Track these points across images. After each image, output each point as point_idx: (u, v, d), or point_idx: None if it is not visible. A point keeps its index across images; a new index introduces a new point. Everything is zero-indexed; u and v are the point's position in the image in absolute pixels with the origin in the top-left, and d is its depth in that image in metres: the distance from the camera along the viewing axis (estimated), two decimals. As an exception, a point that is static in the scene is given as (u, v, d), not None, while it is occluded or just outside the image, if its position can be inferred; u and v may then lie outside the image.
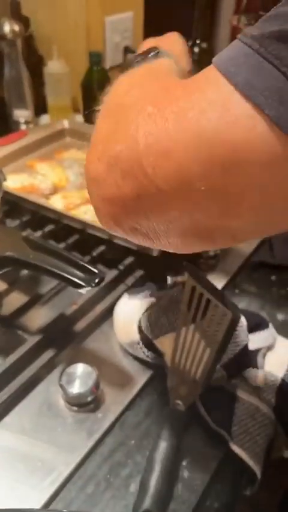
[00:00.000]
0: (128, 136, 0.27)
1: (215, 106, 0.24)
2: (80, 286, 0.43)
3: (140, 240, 0.31)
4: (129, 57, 0.42)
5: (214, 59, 0.25)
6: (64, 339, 0.55)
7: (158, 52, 0.41)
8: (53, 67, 1.03)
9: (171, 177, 0.25)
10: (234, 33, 1.28)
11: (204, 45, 0.98)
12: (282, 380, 0.52)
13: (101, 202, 0.29)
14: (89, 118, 1.06)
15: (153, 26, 1.21)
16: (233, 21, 1.22)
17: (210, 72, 0.25)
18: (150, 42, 0.50)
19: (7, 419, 0.48)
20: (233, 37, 1.24)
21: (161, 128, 0.25)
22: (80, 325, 0.56)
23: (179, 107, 0.25)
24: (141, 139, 0.26)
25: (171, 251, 0.35)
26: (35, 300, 0.59)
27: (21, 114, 1.05)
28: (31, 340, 0.51)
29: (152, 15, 1.21)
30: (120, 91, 0.33)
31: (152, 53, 0.41)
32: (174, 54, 0.43)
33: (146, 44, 0.50)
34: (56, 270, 0.44)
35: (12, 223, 0.70)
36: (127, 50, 1.16)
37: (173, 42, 0.51)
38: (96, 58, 1.02)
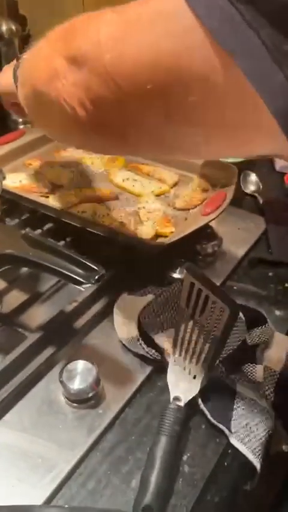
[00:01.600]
0: (91, 37, 0.30)
1: (162, 16, 0.27)
2: (80, 283, 0.43)
3: (100, 140, 0.36)
4: None
5: None
6: (64, 336, 0.55)
7: None
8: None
9: (126, 75, 0.29)
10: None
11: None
12: (281, 375, 0.53)
13: (68, 94, 0.33)
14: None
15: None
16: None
17: None
18: None
19: (7, 416, 0.48)
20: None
21: (119, 33, 0.29)
22: (80, 322, 0.56)
23: (135, 15, 0.29)
24: (103, 41, 0.30)
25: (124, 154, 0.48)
26: (34, 298, 0.59)
27: (19, 114, 1.06)
28: (31, 338, 0.52)
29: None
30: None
31: None
32: None
33: None
34: (55, 267, 0.44)
35: (11, 222, 0.70)
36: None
37: None
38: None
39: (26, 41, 1.06)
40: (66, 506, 0.39)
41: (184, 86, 0.27)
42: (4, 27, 0.93)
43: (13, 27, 0.94)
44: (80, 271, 0.43)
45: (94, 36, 0.30)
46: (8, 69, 0.52)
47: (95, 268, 0.44)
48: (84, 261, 0.44)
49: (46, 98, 0.35)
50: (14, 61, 0.49)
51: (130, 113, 0.31)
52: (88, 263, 0.44)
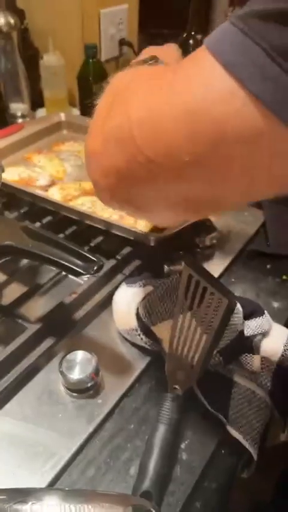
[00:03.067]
0: (123, 112, 0.29)
1: (200, 82, 0.26)
2: (79, 274, 0.44)
3: (133, 211, 0.34)
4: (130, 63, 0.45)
5: (205, 39, 0.27)
6: (64, 327, 0.56)
7: (157, 61, 0.43)
8: (49, 60, 1.03)
9: (159, 149, 0.27)
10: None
11: (199, 36, 0.98)
12: (278, 365, 0.53)
13: (98, 173, 0.32)
14: (86, 110, 1.07)
15: (149, 18, 1.21)
16: (227, 13, 1.22)
17: (199, 51, 0.27)
18: (150, 50, 0.51)
19: (8, 406, 0.49)
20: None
21: (152, 104, 0.27)
22: (79, 313, 0.57)
23: (169, 85, 0.27)
24: (133, 114, 0.28)
25: (163, 225, 0.39)
26: (34, 290, 0.59)
27: (18, 108, 1.06)
28: (31, 329, 0.52)
29: (147, 7, 1.20)
30: (117, 80, 0.35)
31: (150, 61, 0.42)
32: (170, 62, 0.44)
33: (145, 52, 0.51)
34: (55, 258, 0.44)
35: (10, 215, 0.71)
36: (123, 43, 1.16)
37: (171, 54, 0.52)
38: (91, 50, 1.02)
39: (24, 34, 1.06)
40: (67, 489, 0.40)
41: (226, 154, 0.26)
42: (2, 21, 0.93)
43: (11, 21, 0.94)
44: (79, 262, 0.44)
45: (124, 109, 0.29)
46: None
47: (94, 259, 0.44)
48: (83, 252, 0.45)
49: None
50: None
51: (163, 188, 0.30)
52: (87, 254, 0.44)
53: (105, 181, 0.32)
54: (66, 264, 0.44)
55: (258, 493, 0.86)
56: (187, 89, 0.26)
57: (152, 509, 0.33)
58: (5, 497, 0.31)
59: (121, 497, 0.32)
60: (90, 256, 0.44)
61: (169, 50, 0.53)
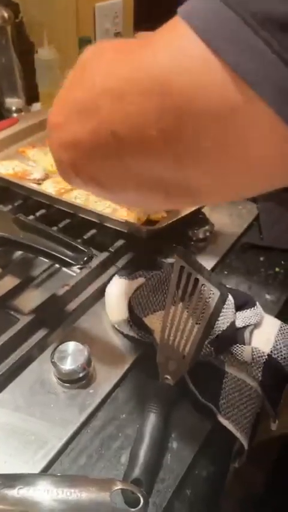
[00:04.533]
0: (88, 81, 0.28)
1: (170, 48, 0.24)
2: (69, 265, 0.44)
3: (98, 191, 0.32)
4: None
5: (178, 9, 0.25)
6: (56, 319, 0.56)
7: None
8: (44, 54, 1.03)
9: (124, 121, 0.25)
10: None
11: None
12: (269, 356, 0.54)
13: (60, 147, 0.30)
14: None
15: (144, 11, 1.21)
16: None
17: (172, 20, 0.25)
18: (142, 36, 0.50)
19: (0, 396, 0.49)
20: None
21: (117, 71, 0.26)
22: (72, 305, 0.57)
23: (138, 51, 0.25)
24: (98, 83, 0.27)
25: (129, 205, 0.36)
26: (27, 282, 0.60)
27: (13, 102, 1.06)
28: (23, 320, 0.53)
29: (143, 1, 1.20)
30: (86, 53, 0.33)
31: None
32: None
33: (138, 36, 0.48)
34: (45, 249, 0.45)
35: (4, 208, 0.71)
36: (118, 37, 1.16)
37: None
38: (86, 44, 1.01)
39: (18, 28, 1.06)
40: (59, 474, 0.40)
41: (197, 129, 0.24)
42: (-3, 15, 0.93)
43: (6, 15, 0.94)
44: (69, 253, 0.44)
45: (89, 80, 0.28)
46: None
47: (84, 250, 0.44)
48: (73, 243, 0.45)
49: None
50: None
51: (128, 165, 0.28)
52: (78, 245, 0.45)
53: (67, 155, 0.30)
54: (57, 254, 0.44)
55: (252, 484, 0.87)
56: (156, 57, 0.24)
57: (138, 494, 0.33)
58: (-6, 482, 0.32)
59: (109, 482, 0.33)
60: (81, 247, 0.45)
61: None
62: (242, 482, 0.91)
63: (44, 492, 0.31)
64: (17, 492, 0.31)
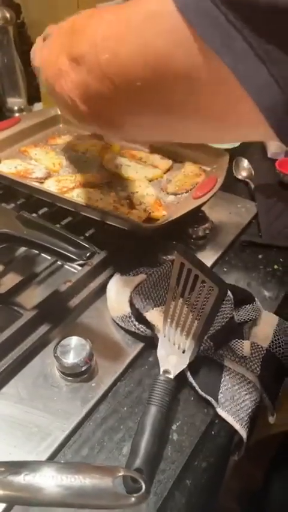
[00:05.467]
0: (89, 38, 0.34)
1: (151, 17, 0.29)
2: (72, 260, 0.45)
3: (108, 128, 0.40)
4: None
5: None
6: (59, 314, 0.57)
7: None
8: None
9: (118, 74, 0.32)
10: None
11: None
12: (267, 350, 0.55)
13: (72, 87, 0.36)
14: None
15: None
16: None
17: None
18: None
19: (5, 389, 0.50)
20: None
21: (114, 33, 0.32)
22: (74, 301, 0.58)
23: (128, 15, 0.31)
24: (99, 41, 0.33)
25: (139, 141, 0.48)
26: (30, 279, 0.61)
27: (15, 102, 1.07)
28: (27, 315, 0.54)
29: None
30: (74, 18, 0.39)
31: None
32: None
33: None
34: (48, 245, 0.46)
35: (7, 206, 0.72)
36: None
37: None
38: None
39: (20, 29, 1.07)
40: (62, 461, 0.41)
41: (170, 83, 0.29)
42: (-1, 15, 0.94)
43: (7, 15, 0.95)
44: (72, 249, 0.45)
45: (91, 38, 0.33)
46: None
47: (87, 246, 0.45)
48: (76, 239, 0.46)
49: (54, 90, 0.39)
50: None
51: (124, 107, 0.34)
52: (80, 241, 0.46)
53: (77, 93, 0.36)
54: (60, 250, 0.45)
55: (250, 480, 0.88)
56: (141, 23, 0.30)
57: (140, 479, 0.34)
58: (0, 469, 0.32)
59: (111, 469, 0.34)
60: (83, 243, 0.46)
61: None
62: (241, 478, 0.92)
63: (49, 478, 0.32)
64: (23, 478, 0.32)
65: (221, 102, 0.29)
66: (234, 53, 0.25)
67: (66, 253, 0.45)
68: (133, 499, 0.32)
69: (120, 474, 0.33)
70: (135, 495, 0.32)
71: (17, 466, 0.33)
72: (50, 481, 0.32)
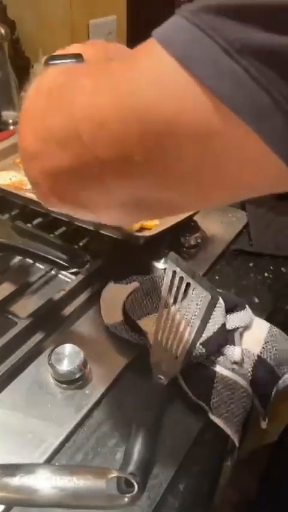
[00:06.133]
0: (64, 108, 0.27)
1: (148, 74, 0.24)
2: (66, 268, 0.46)
3: (83, 213, 0.32)
4: (46, 57, 0.40)
5: (153, 32, 0.25)
6: (53, 322, 0.58)
7: (80, 60, 0.37)
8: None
9: (107, 146, 0.25)
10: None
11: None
12: (259, 356, 0.56)
13: (41, 175, 0.30)
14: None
15: (137, 27, 1.25)
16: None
17: (147, 44, 0.25)
18: (75, 47, 0.44)
19: (0, 396, 0.51)
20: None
21: (98, 102, 0.26)
22: (68, 309, 0.59)
23: (113, 77, 0.25)
24: (77, 112, 0.26)
25: (113, 224, 0.37)
26: (24, 288, 0.61)
27: (9, 115, 1.09)
28: (21, 324, 0.54)
29: (136, 18, 1.24)
30: (48, 79, 0.33)
31: (72, 59, 0.37)
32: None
33: (70, 49, 0.45)
34: (43, 254, 0.47)
35: (2, 217, 0.73)
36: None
37: (101, 56, 0.45)
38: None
39: (15, 44, 1.09)
40: (56, 464, 0.42)
41: (178, 152, 0.24)
42: (-6, 31, 0.97)
43: (3, 31, 0.97)
44: (65, 257, 0.46)
45: (68, 112, 0.27)
46: None
47: (80, 254, 0.47)
48: (69, 248, 0.47)
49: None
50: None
51: (112, 186, 0.28)
52: (73, 250, 0.47)
53: (48, 182, 0.30)
54: (54, 258, 0.46)
55: (246, 490, 0.89)
56: (135, 84, 0.24)
57: (132, 480, 0.35)
58: (-5, 471, 0.33)
59: (104, 471, 0.35)
60: (77, 252, 0.47)
61: (95, 47, 0.46)
62: (237, 488, 0.92)
63: (44, 480, 0.33)
64: (18, 480, 0.32)
65: (238, 162, 0.24)
66: (259, 113, 0.22)
67: (60, 262, 0.46)
68: (126, 499, 0.33)
69: (113, 475, 0.34)
70: (128, 495, 0.33)
71: (13, 469, 0.33)
72: (45, 482, 0.32)
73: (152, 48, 0.24)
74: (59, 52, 0.42)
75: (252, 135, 0.22)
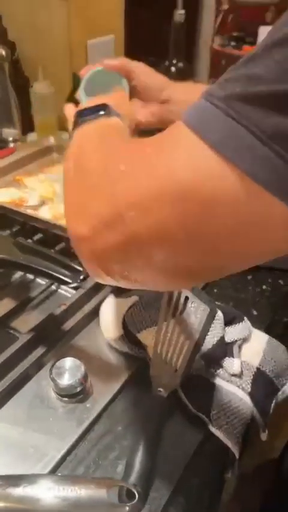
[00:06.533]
0: (107, 195, 0.30)
1: (187, 163, 0.26)
2: (66, 283, 0.47)
3: (132, 284, 0.34)
4: (76, 112, 0.45)
5: (183, 118, 0.28)
6: (54, 337, 0.58)
7: (108, 110, 0.43)
8: (39, 88, 1.09)
9: (151, 228, 0.28)
10: (212, 52, 1.36)
11: (180, 64, 1.04)
12: (258, 368, 0.57)
13: (93, 256, 0.32)
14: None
15: (135, 46, 1.28)
16: (208, 42, 1.29)
17: (180, 129, 0.27)
18: (100, 99, 0.50)
19: (1, 411, 0.51)
20: (212, 57, 1.31)
21: (136, 186, 0.28)
22: (69, 324, 0.60)
23: (151, 165, 0.28)
24: (119, 197, 0.29)
25: (160, 290, 0.40)
26: (25, 303, 0.62)
27: (10, 133, 1.11)
28: (23, 339, 0.55)
29: (133, 37, 1.27)
30: (83, 156, 0.36)
31: (101, 111, 0.43)
32: (121, 113, 0.45)
33: (95, 101, 0.50)
34: (44, 269, 0.48)
35: (3, 233, 0.74)
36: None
37: (120, 102, 0.51)
38: (79, 79, 1.08)
39: (15, 65, 1.12)
40: (59, 474, 0.42)
41: (217, 227, 0.27)
42: (-6, 53, 0.99)
43: (3, 52, 1.00)
44: (66, 272, 0.47)
45: (113, 198, 0.29)
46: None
47: (80, 269, 0.48)
48: (70, 263, 0.48)
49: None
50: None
51: (158, 261, 0.30)
52: (74, 265, 0.48)
53: (99, 262, 0.32)
54: (55, 274, 0.47)
55: (249, 507, 0.88)
56: (174, 171, 0.27)
57: (133, 489, 0.35)
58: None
59: (106, 481, 0.35)
60: (77, 267, 0.48)
61: (118, 98, 0.52)
62: (240, 503, 0.92)
63: (47, 490, 0.33)
64: (22, 490, 0.33)
65: (265, 230, 0.27)
66: None
67: (61, 277, 0.47)
68: (127, 508, 0.33)
69: (114, 485, 0.34)
70: (129, 504, 0.33)
71: (16, 479, 0.34)
72: (47, 492, 0.33)
73: (184, 134, 0.27)
74: (85, 105, 0.46)
75: (278, 206, 0.25)
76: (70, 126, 0.48)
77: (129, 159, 0.30)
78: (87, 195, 0.32)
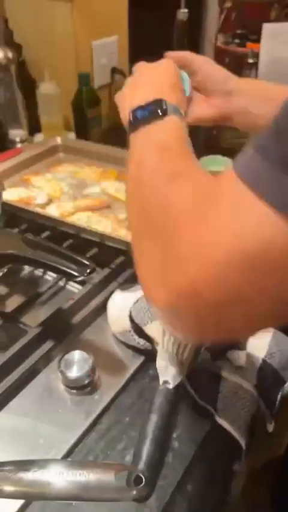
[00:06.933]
0: (179, 266, 0.30)
1: (253, 229, 0.26)
2: (74, 277, 0.48)
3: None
4: (131, 111, 0.44)
5: (239, 174, 0.28)
6: (62, 331, 0.60)
7: (164, 108, 0.42)
8: (45, 89, 1.10)
9: (225, 293, 0.28)
10: (215, 50, 1.36)
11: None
12: (263, 360, 0.57)
13: (176, 321, 0.34)
14: (81, 134, 1.13)
15: (138, 46, 1.29)
16: (211, 40, 1.30)
17: (238, 189, 0.27)
18: (142, 69, 0.51)
19: (12, 403, 0.52)
20: (216, 55, 1.31)
21: (206, 259, 0.28)
22: (77, 318, 0.61)
23: (218, 234, 0.28)
24: (191, 270, 0.29)
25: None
26: (34, 298, 0.64)
27: (17, 134, 1.12)
28: (32, 332, 0.56)
29: (137, 36, 1.28)
30: (144, 188, 0.37)
31: (157, 110, 0.42)
32: (176, 102, 0.45)
33: (138, 69, 0.51)
34: (52, 264, 0.49)
35: (12, 231, 0.76)
36: (114, 71, 1.24)
37: (173, 81, 0.50)
38: (85, 79, 1.09)
39: (21, 66, 1.14)
40: (69, 459, 0.43)
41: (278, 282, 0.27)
42: (1, 55, 1.01)
43: (9, 55, 1.01)
44: (74, 266, 0.48)
45: (184, 268, 0.29)
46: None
47: (87, 263, 0.49)
48: (77, 257, 0.49)
49: None
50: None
51: (230, 314, 0.30)
52: (81, 259, 0.49)
53: (170, 321, 0.34)
54: (63, 268, 0.48)
55: (257, 504, 0.89)
56: (242, 234, 0.27)
57: (140, 474, 0.36)
58: (11, 467, 0.35)
59: (114, 465, 0.36)
60: (84, 261, 0.49)
61: (166, 73, 0.51)
62: (247, 502, 0.92)
63: (56, 474, 0.34)
64: (32, 474, 0.34)
65: None
66: None
67: (69, 270, 0.48)
68: (134, 491, 0.34)
69: (122, 470, 0.35)
70: (136, 487, 0.34)
71: (27, 464, 0.35)
72: (57, 476, 0.34)
73: (247, 199, 0.27)
74: (140, 102, 0.44)
75: None
76: (124, 120, 0.47)
77: (193, 226, 0.30)
78: (162, 263, 0.32)
